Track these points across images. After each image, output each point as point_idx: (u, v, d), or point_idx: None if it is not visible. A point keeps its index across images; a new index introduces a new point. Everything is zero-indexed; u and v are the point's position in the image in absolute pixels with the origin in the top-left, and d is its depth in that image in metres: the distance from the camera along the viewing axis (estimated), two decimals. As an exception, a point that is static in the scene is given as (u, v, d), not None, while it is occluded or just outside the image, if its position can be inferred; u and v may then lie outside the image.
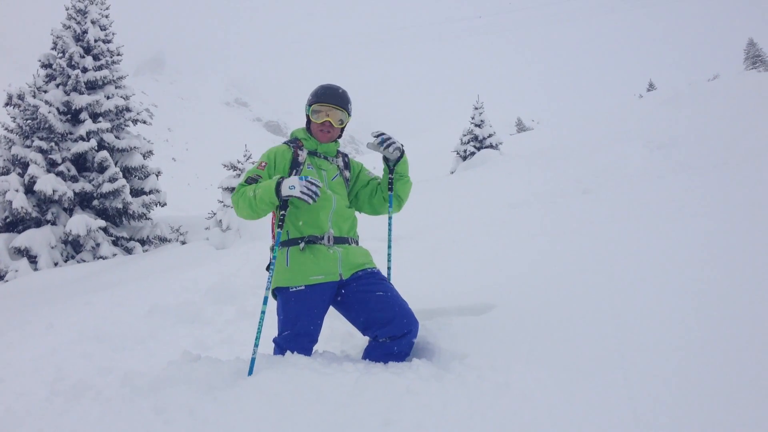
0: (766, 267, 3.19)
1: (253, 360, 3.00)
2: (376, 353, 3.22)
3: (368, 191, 3.63)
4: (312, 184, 2.97)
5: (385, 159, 3.53)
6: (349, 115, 3.50)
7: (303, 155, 3.43)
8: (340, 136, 3.59)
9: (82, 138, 17.12)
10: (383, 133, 3.46)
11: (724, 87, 17.99)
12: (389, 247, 3.68)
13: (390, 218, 3.66)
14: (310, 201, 2.97)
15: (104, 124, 17.33)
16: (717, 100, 14.53)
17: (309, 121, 3.52)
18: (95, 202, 17.06)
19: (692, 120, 11.54)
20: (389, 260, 3.68)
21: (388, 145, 3.42)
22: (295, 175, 3.33)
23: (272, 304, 3.41)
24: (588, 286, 3.58)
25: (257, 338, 3.07)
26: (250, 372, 2.94)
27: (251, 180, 3.30)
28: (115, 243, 17.39)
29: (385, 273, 3.55)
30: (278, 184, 3.04)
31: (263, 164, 3.37)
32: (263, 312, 3.15)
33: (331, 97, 3.42)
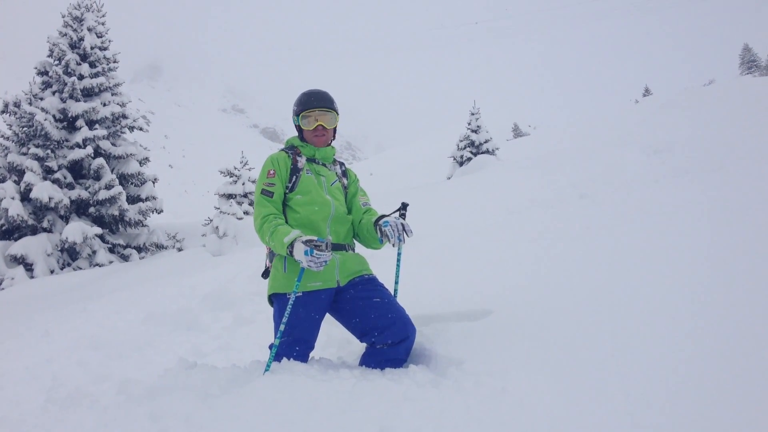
0: (763, 271, 3.19)
1: (271, 357, 3.09)
2: (373, 360, 3.21)
3: (359, 219, 3.58)
4: (319, 257, 2.93)
5: (378, 225, 3.36)
6: (337, 113, 3.55)
7: (302, 161, 3.46)
8: (333, 138, 3.63)
9: (78, 145, 17.12)
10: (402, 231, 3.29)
11: (719, 92, 18.08)
12: (397, 275, 3.64)
13: (399, 253, 3.61)
14: (321, 269, 2.98)
15: (100, 131, 17.33)
16: (713, 105, 14.59)
17: (301, 130, 3.54)
18: (91, 210, 17.04)
19: (688, 125, 11.58)
20: (396, 282, 3.65)
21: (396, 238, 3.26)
22: (294, 184, 3.38)
23: (268, 311, 3.40)
24: (585, 292, 3.58)
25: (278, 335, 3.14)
26: (267, 368, 3.03)
27: (266, 192, 3.32)
28: (111, 250, 17.37)
29: (382, 282, 3.53)
30: (291, 251, 3.03)
31: (272, 172, 3.37)
32: (291, 305, 3.11)
33: (316, 101, 3.47)
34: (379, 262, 4.26)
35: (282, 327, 3.10)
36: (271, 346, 3.24)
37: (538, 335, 3.02)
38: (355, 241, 3.59)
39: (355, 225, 3.56)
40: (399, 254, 3.60)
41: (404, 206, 3.47)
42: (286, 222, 3.33)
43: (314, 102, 3.47)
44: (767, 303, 2.79)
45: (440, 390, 2.61)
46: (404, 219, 3.39)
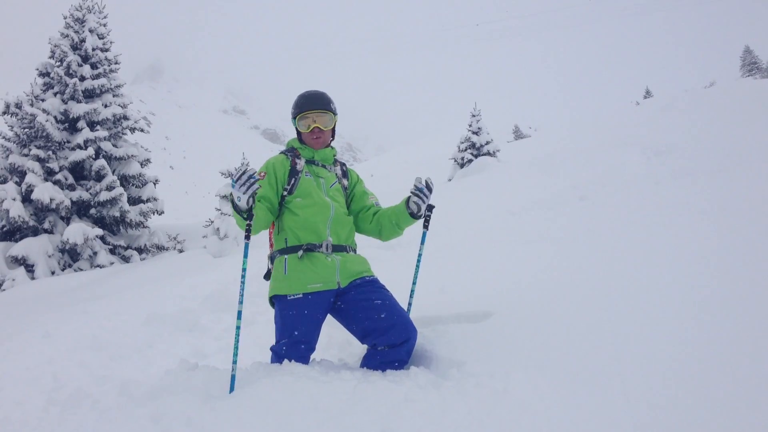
0: (764, 272, 3.19)
1: (233, 377, 2.89)
2: (374, 361, 3.21)
3: (375, 211, 3.60)
4: (240, 177, 2.93)
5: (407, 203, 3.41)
6: (334, 114, 3.53)
7: (301, 164, 3.46)
8: (332, 139, 3.62)
9: (79, 146, 17.12)
10: (427, 189, 3.36)
11: (720, 94, 18.05)
12: (415, 276, 3.65)
13: (420, 254, 3.63)
14: (255, 188, 2.95)
15: (102, 133, 17.32)
16: (713, 107, 14.58)
17: (299, 133, 3.54)
18: (92, 211, 17.03)
19: (689, 127, 11.57)
20: (414, 283, 3.65)
21: (419, 199, 3.32)
22: (293, 187, 3.39)
23: (270, 312, 3.41)
24: (586, 293, 3.58)
25: (235, 354, 2.98)
26: (232, 389, 2.84)
27: None
28: (112, 251, 17.35)
29: (384, 284, 3.53)
30: (234, 205, 3.06)
31: (262, 174, 3.38)
32: (238, 327, 3.04)
33: (312, 103, 3.47)
34: (379, 264, 4.27)
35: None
36: (272, 348, 3.25)
37: (539, 337, 3.02)
38: (356, 242, 3.59)
39: (369, 218, 3.56)
40: (419, 255, 3.62)
41: (430, 208, 3.45)
42: (285, 225, 3.35)
43: (310, 104, 3.47)
44: (767, 304, 2.79)
45: (441, 391, 2.61)
46: (428, 222, 3.46)
